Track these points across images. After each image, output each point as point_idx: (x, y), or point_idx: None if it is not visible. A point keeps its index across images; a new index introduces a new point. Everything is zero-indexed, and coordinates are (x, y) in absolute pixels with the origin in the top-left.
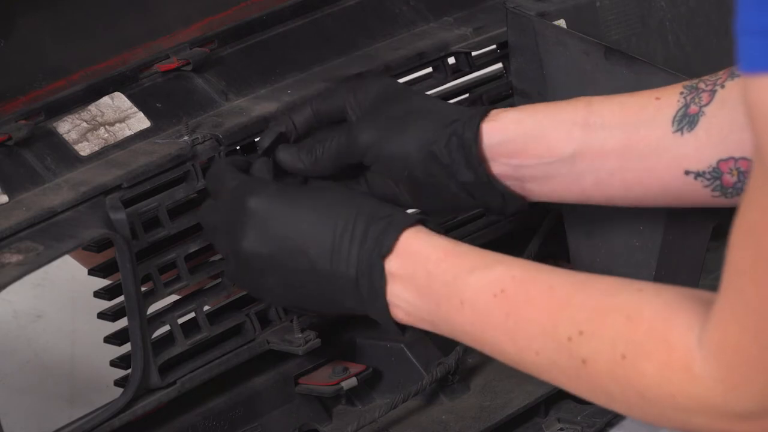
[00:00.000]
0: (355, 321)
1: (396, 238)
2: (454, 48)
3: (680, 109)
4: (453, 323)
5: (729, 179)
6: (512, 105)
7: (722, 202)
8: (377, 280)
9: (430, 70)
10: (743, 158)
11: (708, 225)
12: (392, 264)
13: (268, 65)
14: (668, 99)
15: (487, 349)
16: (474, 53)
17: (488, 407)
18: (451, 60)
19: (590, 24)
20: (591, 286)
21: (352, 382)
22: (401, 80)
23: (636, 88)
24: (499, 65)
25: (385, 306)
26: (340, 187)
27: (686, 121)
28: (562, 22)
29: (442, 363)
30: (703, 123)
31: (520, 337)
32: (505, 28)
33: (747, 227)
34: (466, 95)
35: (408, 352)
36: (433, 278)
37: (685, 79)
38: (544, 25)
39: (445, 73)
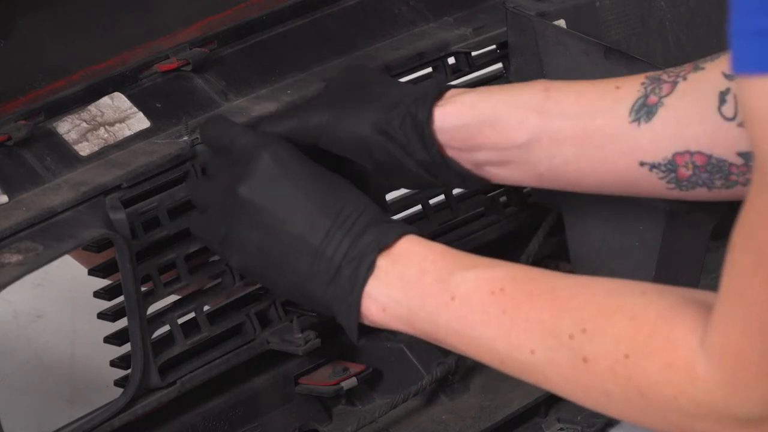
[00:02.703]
0: None
1: (395, 238)
2: (454, 48)
3: (639, 98)
4: (436, 320)
5: (684, 172)
6: None
7: (678, 194)
8: (363, 268)
9: (430, 70)
10: (699, 152)
11: (708, 225)
12: (383, 260)
13: (268, 65)
14: (629, 88)
15: (468, 348)
16: (474, 53)
17: (488, 407)
18: (451, 60)
19: (590, 24)
20: (594, 287)
21: (352, 382)
22: (401, 80)
23: None
24: (499, 65)
25: (358, 297)
26: (356, 182)
27: (644, 111)
28: (562, 22)
29: (442, 363)
30: (661, 114)
31: (516, 334)
32: (505, 28)
33: (747, 232)
34: None
35: (408, 352)
36: (425, 274)
37: (663, 70)
38: (544, 25)
39: (445, 73)
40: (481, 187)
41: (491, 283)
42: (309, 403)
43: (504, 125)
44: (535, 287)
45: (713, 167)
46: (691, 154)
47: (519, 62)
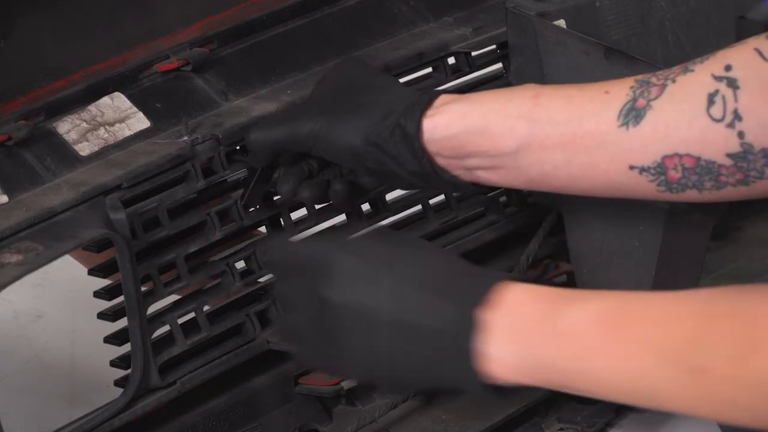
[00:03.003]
0: None
1: (490, 290)
2: (454, 48)
3: (627, 102)
4: (557, 365)
5: (673, 175)
6: None
7: (669, 196)
8: (469, 330)
9: (430, 70)
10: (688, 155)
11: (708, 225)
12: (486, 314)
13: (268, 65)
14: (617, 92)
15: (590, 385)
16: (474, 53)
17: (488, 407)
18: (451, 60)
19: (590, 24)
20: (689, 297)
21: (352, 382)
22: (401, 80)
23: None
24: (499, 65)
25: (476, 361)
26: (424, 242)
27: (632, 115)
28: (562, 22)
29: None
30: (649, 117)
31: (628, 360)
32: (505, 28)
33: None
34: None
35: None
36: (530, 320)
37: (652, 73)
38: (544, 25)
39: (445, 73)
40: (473, 193)
41: (590, 314)
42: (309, 403)
43: (493, 134)
44: (633, 308)
45: (702, 169)
46: (680, 156)
47: (519, 62)
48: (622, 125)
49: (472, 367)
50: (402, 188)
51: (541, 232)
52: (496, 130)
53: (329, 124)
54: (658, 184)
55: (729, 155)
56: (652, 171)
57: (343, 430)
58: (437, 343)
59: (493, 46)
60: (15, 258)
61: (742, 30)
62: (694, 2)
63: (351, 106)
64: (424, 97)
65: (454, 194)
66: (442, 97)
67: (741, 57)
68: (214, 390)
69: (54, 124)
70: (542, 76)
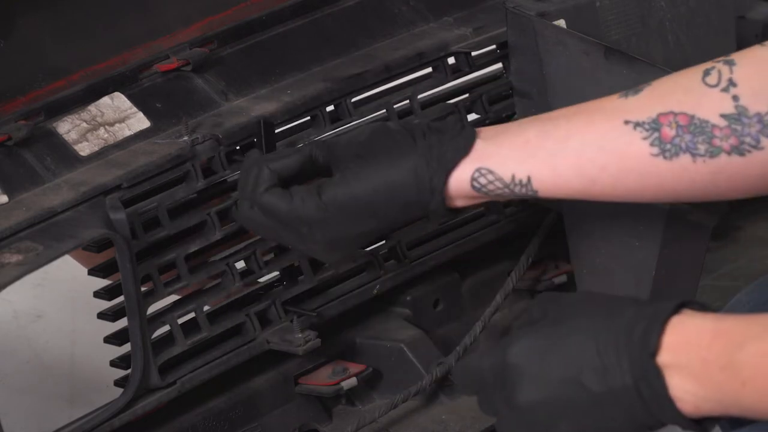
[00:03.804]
0: (354, 321)
1: (661, 333)
2: (454, 48)
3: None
4: (741, 405)
5: (668, 132)
6: (512, 105)
7: (661, 164)
8: (654, 380)
9: (430, 70)
10: (683, 113)
11: (708, 225)
12: (665, 358)
13: (268, 65)
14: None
15: None
16: (474, 53)
17: None
18: (451, 60)
19: (590, 24)
20: None
21: (352, 382)
22: (401, 80)
23: None
24: (499, 65)
25: (673, 405)
26: (585, 300)
27: (632, 90)
28: (562, 22)
29: (442, 363)
30: (647, 89)
31: None
32: (505, 28)
33: None
34: (466, 95)
35: (408, 352)
36: (708, 365)
37: None
38: (544, 25)
39: (445, 73)
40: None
41: (765, 355)
42: (309, 403)
43: (506, 171)
44: None
45: (696, 128)
46: (675, 114)
47: (519, 62)
48: (622, 96)
49: (671, 406)
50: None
51: (541, 232)
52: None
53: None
54: (651, 143)
55: (723, 116)
56: (646, 126)
57: (343, 430)
58: (629, 398)
59: (493, 46)
60: (15, 258)
61: (742, 30)
62: (694, 2)
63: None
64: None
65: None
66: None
67: (742, 52)
68: (214, 390)
69: (54, 124)
70: (542, 76)
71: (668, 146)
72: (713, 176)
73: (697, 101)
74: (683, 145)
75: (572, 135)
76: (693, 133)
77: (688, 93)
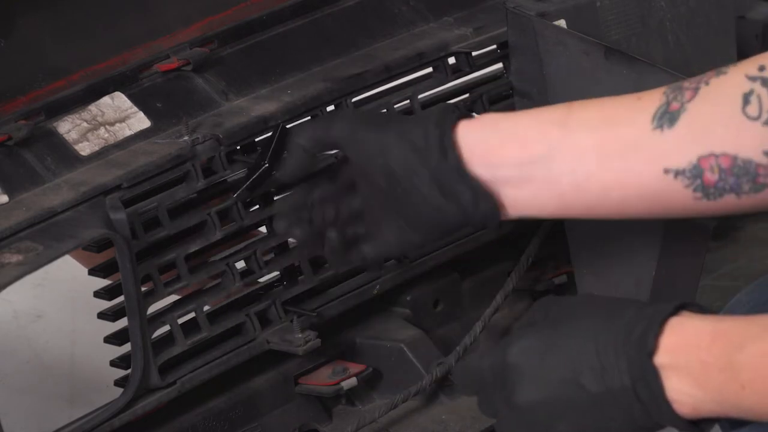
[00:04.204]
0: (354, 321)
1: (659, 333)
2: (454, 48)
3: (661, 106)
4: (741, 407)
5: (710, 177)
6: (512, 105)
7: (705, 205)
8: (652, 381)
9: (430, 70)
10: (724, 154)
11: (708, 225)
12: (663, 359)
13: (268, 65)
14: (650, 98)
15: None
16: (474, 53)
17: None
18: (451, 60)
19: (590, 24)
20: None
21: (352, 382)
22: (401, 80)
23: (636, 88)
24: (499, 65)
25: (669, 406)
26: (584, 302)
27: (666, 117)
28: (562, 22)
29: (442, 363)
30: (683, 119)
31: None
32: (505, 28)
33: None
34: (466, 95)
35: (408, 352)
36: (707, 367)
37: (685, 79)
38: (544, 25)
39: (445, 73)
40: (490, 216)
41: (765, 356)
42: (309, 403)
43: (525, 138)
44: None
45: (740, 170)
46: (716, 156)
47: (519, 62)
48: (657, 128)
49: (667, 407)
50: (415, 219)
51: (541, 233)
52: (527, 134)
53: (360, 125)
54: (695, 189)
55: (766, 153)
56: (688, 174)
57: (343, 430)
58: (627, 399)
59: (494, 46)
60: (15, 258)
61: (742, 30)
62: (694, 2)
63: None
64: (460, 110)
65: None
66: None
67: None
68: (214, 390)
69: (54, 124)
70: (542, 76)
71: (712, 190)
72: (755, 205)
73: (739, 138)
74: (727, 187)
75: (612, 187)
76: (737, 175)
77: (728, 128)
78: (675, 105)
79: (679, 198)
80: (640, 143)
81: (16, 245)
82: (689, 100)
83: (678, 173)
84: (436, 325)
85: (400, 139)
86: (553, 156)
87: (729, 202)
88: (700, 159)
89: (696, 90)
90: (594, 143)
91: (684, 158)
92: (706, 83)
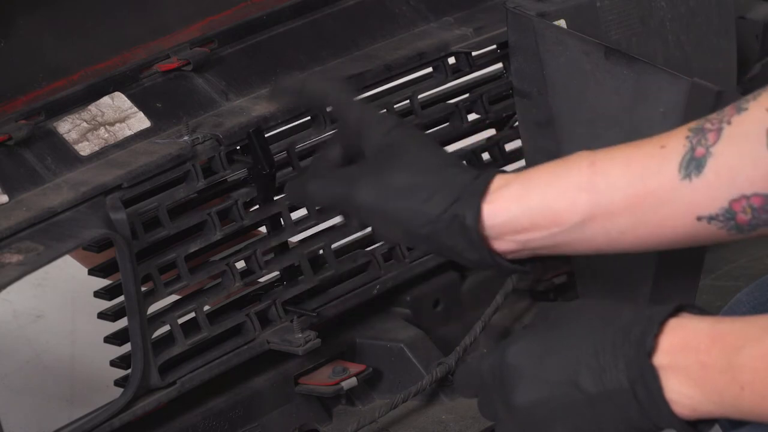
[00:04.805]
0: (354, 321)
1: (657, 334)
2: (454, 48)
3: (686, 153)
4: (740, 408)
5: (743, 218)
6: (512, 105)
7: (741, 237)
8: (650, 381)
9: (430, 70)
10: (755, 194)
11: None
12: (662, 360)
13: (268, 65)
14: (674, 145)
15: None
16: (474, 53)
17: None
18: (452, 60)
19: (590, 24)
20: None
21: (352, 382)
22: (401, 80)
23: (636, 88)
24: (499, 65)
25: (668, 407)
26: (584, 306)
27: (693, 165)
28: (562, 22)
29: (442, 363)
30: (710, 164)
31: None
32: (505, 28)
33: None
34: (466, 95)
35: (408, 352)
36: (707, 368)
37: (686, 79)
38: (544, 25)
39: (445, 73)
40: (531, 277)
41: (764, 358)
42: (309, 403)
43: (555, 210)
44: None
45: None
46: (747, 198)
47: (519, 62)
48: (684, 177)
49: (666, 408)
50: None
51: None
52: (557, 206)
53: (385, 202)
54: (729, 229)
55: None
56: (721, 218)
57: (343, 430)
58: (626, 400)
59: (494, 46)
60: (15, 258)
61: (742, 30)
62: (694, 2)
63: (403, 184)
64: (480, 182)
65: None
66: (497, 180)
67: None
68: (214, 390)
69: (54, 124)
70: (542, 76)
71: (746, 228)
72: None
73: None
74: (761, 222)
75: (646, 239)
76: None
77: (756, 167)
78: (700, 150)
79: (713, 237)
80: (670, 196)
81: (16, 245)
82: (713, 144)
83: (711, 219)
84: (436, 325)
85: (427, 231)
86: (586, 223)
87: (761, 233)
88: (732, 203)
89: (719, 131)
90: (625, 204)
91: (715, 204)
92: (728, 122)
